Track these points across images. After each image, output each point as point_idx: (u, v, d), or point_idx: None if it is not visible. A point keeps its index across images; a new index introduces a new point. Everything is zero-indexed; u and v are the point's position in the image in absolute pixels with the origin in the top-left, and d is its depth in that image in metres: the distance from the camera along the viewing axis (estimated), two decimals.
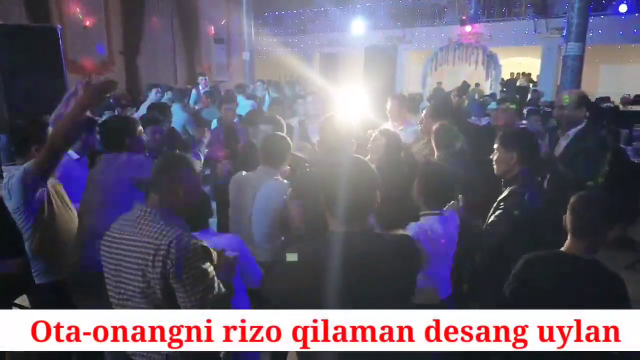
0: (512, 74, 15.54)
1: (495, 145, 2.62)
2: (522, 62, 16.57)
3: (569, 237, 1.97)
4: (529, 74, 15.81)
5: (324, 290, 1.43)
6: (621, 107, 10.93)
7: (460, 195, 2.55)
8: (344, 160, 1.59)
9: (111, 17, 14.48)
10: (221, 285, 1.79)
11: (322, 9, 16.51)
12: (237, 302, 2.09)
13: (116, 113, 5.67)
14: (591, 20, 7.91)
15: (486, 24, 14.42)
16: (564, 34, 7.69)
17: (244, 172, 2.93)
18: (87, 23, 13.89)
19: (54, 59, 4.76)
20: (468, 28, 13.94)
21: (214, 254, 1.85)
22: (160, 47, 15.72)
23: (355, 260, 1.45)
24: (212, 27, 16.95)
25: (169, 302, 1.73)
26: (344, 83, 7.69)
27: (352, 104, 4.96)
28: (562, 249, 1.98)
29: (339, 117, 2.78)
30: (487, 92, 13.38)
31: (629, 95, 12.30)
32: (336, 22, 15.63)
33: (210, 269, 1.77)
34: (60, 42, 4.87)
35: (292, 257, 1.48)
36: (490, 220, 2.52)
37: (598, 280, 1.94)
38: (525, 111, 6.82)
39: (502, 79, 14.86)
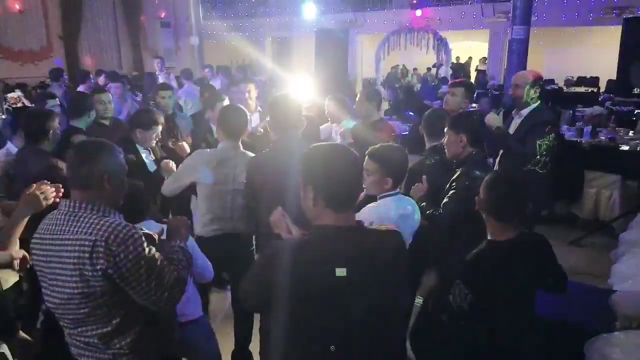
0: (457, 58, 15.86)
1: (445, 129, 2.65)
2: (472, 46, 16.89)
3: (494, 222, 1.95)
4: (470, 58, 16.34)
5: (318, 287, 1.40)
6: (565, 88, 11.39)
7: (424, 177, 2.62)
8: (326, 146, 1.55)
9: (47, 0, 13.61)
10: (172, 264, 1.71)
11: None
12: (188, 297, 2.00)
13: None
14: (535, 4, 8.09)
15: (436, 9, 14.56)
16: (509, 17, 7.82)
17: (207, 150, 3.01)
18: (21, 7, 13.00)
19: None
20: (418, 12, 14.02)
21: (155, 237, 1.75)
22: (102, 31, 14.95)
23: (350, 258, 1.42)
24: (158, 10, 16.27)
25: (113, 301, 1.59)
26: (296, 67, 7.55)
27: (302, 88, 4.90)
28: (492, 238, 1.95)
29: (287, 95, 2.78)
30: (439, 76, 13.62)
31: (572, 77, 12.80)
32: (287, 5, 15.33)
33: (157, 254, 1.64)
34: None
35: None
36: (443, 202, 2.53)
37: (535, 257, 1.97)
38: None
39: (453, 63, 15.13)
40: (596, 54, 13.47)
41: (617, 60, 5.68)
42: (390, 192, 2.30)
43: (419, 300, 2.98)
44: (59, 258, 1.58)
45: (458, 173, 2.60)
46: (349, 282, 1.40)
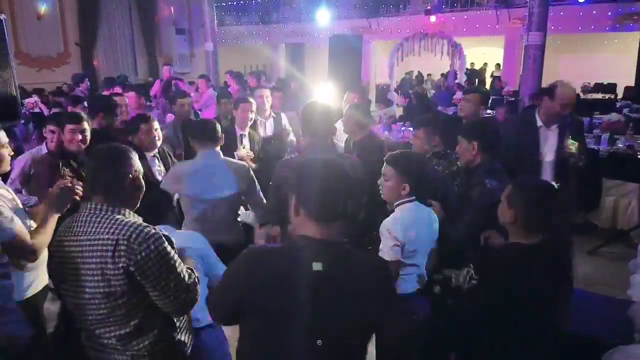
0: (472, 64, 15.77)
1: (459, 137, 2.64)
2: (487, 52, 16.79)
3: (518, 230, 1.91)
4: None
5: (288, 298, 1.35)
6: (582, 95, 11.23)
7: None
8: (321, 159, 1.51)
9: (65, 7, 13.85)
10: (192, 272, 1.73)
11: None
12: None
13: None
14: (551, 11, 8.02)
15: (450, 15, 14.50)
16: (525, 24, 7.77)
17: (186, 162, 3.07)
18: (40, 14, 13.25)
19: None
20: (432, 18, 13.98)
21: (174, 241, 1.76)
22: (118, 38, 15.16)
23: (326, 273, 1.36)
24: (173, 18, 16.46)
25: (132, 302, 1.62)
26: (310, 74, 7.57)
27: (318, 95, 4.93)
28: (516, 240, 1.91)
29: (324, 103, 2.81)
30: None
31: (589, 83, 12.63)
32: (301, 11, 15.40)
33: (176, 256, 1.68)
34: (6, 32, 4.57)
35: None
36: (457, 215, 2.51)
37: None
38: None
39: (467, 69, 15.05)
40: (613, 61, 13.31)
41: (634, 66, 5.60)
42: (407, 199, 2.28)
43: None
44: (82, 258, 1.61)
45: (472, 182, 2.57)
46: (321, 297, 1.35)
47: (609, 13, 12.52)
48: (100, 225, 1.60)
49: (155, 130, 3.30)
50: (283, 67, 16.75)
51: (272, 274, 1.37)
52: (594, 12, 12.75)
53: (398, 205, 2.29)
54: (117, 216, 1.63)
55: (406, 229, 2.18)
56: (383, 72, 15.59)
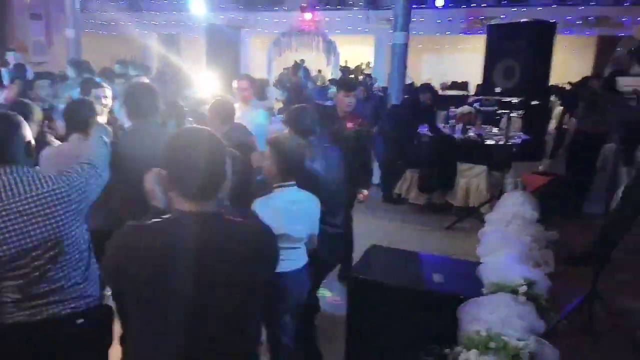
0: (346, 61, 16.47)
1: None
2: (359, 50, 17.72)
3: None
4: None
5: (166, 274, 1.32)
6: (440, 91, 12.49)
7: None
8: (184, 131, 1.49)
9: None
10: None
11: None
12: None
13: None
14: (414, 14, 8.77)
15: (324, 12, 15.06)
16: (391, 24, 8.42)
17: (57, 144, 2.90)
18: None
19: None
20: (308, 15, 14.38)
21: None
22: None
23: (203, 247, 1.35)
24: (28, 1, 14.77)
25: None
26: (187, 65, 7.35)
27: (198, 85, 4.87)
28: None
29: (144, 83, 2.93)
30: (329, 77, 14.08)
31: (447, 82, 14.10)
32: (174, 1, 14.80)
33: None
34: None
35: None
36: None
37: None
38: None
39: (341, 66, 15.73)
40: (468, 60, 14.93)
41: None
42: (286, 184, 2.40)
43: None
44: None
45: None
46: (200, 270, 1.34)
47: (462, 18, 14.06)
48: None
49: None
50: (156, 57, 15.95)
51: (149, 248, 1.34)
52: (450, 16, 14.22)
53: (276, 187, 2.41)
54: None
55: (274, 213, 2.27)
56: (260, 66, 15.66)
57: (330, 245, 2.82)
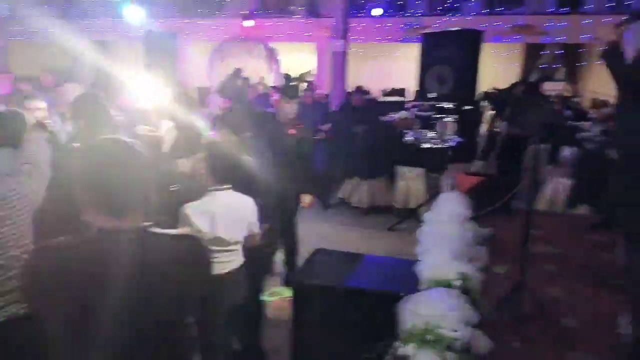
0: (288, 69, 16.55)
1: None
2: (301, 58, 17.88)
3: None
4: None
5: (90, 295, 1.25)
6: (381, 98, 12.85)
7: None
8: (103, 142, 1.37)
9: None
10: None
11: None
12: None
13: None
14: (352, 21, 9.01)
15: (266, 20, 15.10)
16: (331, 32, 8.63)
17: None
18: None
19: None
20: (249, 22, 14.37)
21: None
22: None
23: (127, 263, 1.27)
24: None
25: None
26: (122, 73, 7.14)
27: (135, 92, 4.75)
28: None
29: (91, 92, 2.85)
30: (270, 84, 14.11)
31: (387, 89, 14.54)
32: (109, 6, 14.32)
33: None
34: None
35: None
36: None
37: None
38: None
39: (284, 74, 15.80)
40: (406, 67, 15.45)
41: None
42: (221, 187, 2.42)
43: None
44: None
45: None
46: (125, 287, 1.27)
47: (400, 26, 14.55)
48: None
49: None
50: (90, 66, 15.35)
51: (64, 268, 1.26)
52: (388, 24, 14.68)
53: (211, 191, 2.43)
54: None
55: (208, 217, 2.30)
56: (202, 74, 15.46)
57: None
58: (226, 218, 2.39)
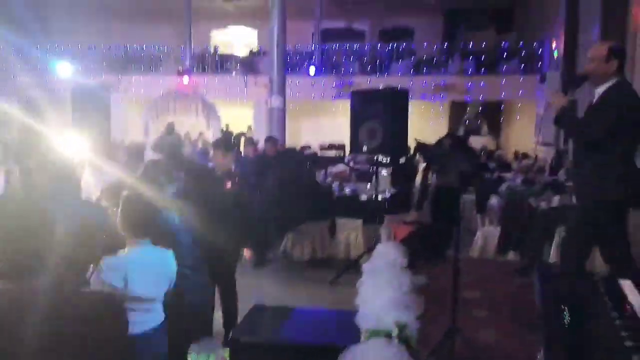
0: (227, 125, 16.60)
1: None
2: (239, 114, 18.06)
3: None
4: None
5: None
6: (319, 153, 13.20)
7: None
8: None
9: None
10: None
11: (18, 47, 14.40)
12: None
13: None
14: (289, 78, 9.30)
15: (202, 77, 15.26)
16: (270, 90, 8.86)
17: None
18: None
19: None
20: (185, 79, 14.45)
21: None
22: None
23: (30, 325, 1.21)
24: None
25: None
26: (49, 129, 6.87)
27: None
28: None
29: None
30: (210, 140, 14.06)
31: (325, 143, 15.00)
32: (37, 63, 13.90)
33: None
34: None
35: None
36: None
37: None
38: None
39: (222, 130, 15.84)
40: (340, 123, 16.00)
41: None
42: (138, 240, 2.33)
43: None
44: None
45: None
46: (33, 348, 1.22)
47: (334, 84, 15.22)
48: None
49: None
50: (15, 123, 14.62)
51: None
52: (323, 82, 15.32)
53: (128, 245, 2.33)
54: None
55: (123, 273, 2.19)
56: (136, 130, 15.18)
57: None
58: (140, 273, 2.26)
